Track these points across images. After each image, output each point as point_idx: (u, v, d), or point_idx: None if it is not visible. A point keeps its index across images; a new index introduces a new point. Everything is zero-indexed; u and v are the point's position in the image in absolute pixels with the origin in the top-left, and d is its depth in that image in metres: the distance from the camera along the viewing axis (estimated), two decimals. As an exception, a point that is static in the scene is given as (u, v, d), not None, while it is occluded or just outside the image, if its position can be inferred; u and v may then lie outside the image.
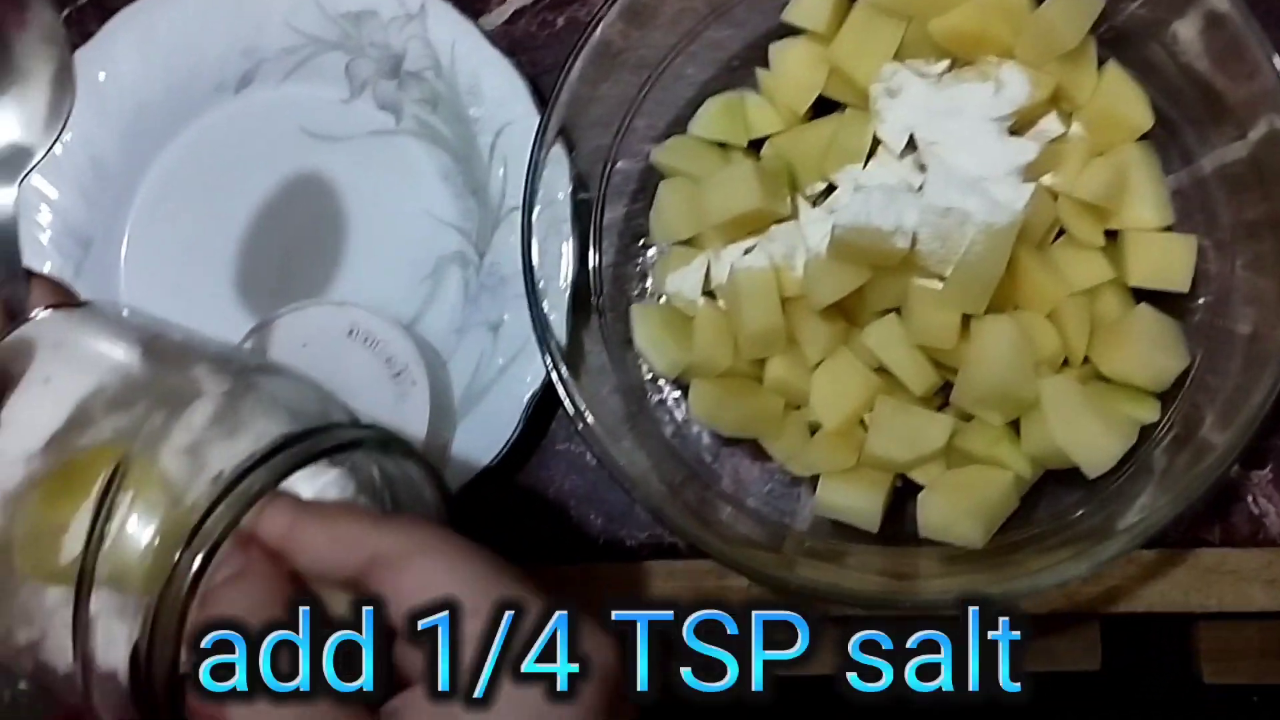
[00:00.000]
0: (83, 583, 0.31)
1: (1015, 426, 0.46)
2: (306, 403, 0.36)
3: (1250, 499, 0.49)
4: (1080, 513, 0.46)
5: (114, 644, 0.32)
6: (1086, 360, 0.46)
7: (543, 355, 0.46)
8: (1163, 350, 0.45)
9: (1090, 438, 0.44)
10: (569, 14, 0.57)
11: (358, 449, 0.34)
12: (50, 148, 0.41)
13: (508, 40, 0.57)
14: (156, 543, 0.31)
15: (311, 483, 0.37)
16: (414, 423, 0.50)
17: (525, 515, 0.54)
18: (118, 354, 0.36)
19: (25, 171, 0.40)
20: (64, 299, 0.38)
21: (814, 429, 0.48)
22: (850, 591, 0.43)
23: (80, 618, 0.31)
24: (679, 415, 0.51)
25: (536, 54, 0.57)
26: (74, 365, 0.35)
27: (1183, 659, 0.49)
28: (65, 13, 0.59)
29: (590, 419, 0.44)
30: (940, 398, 0.48)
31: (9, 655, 0.34)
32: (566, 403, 0.45)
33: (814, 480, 0.48)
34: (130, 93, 0.57)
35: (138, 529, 0.31)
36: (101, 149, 0.57)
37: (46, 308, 0.37)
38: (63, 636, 0.32)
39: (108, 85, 0.57)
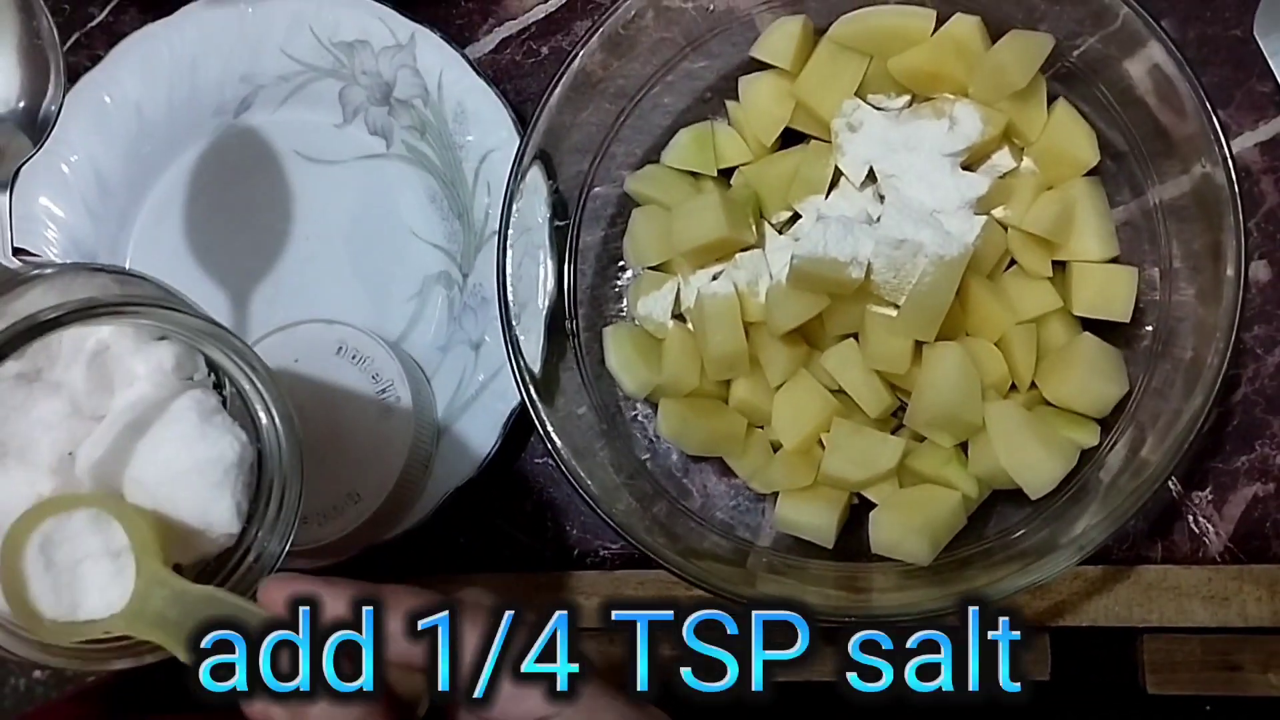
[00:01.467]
0: None
1: (965, 448, 0.48)
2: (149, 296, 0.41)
3: (1191, 519, 0.51)
4: (1026, 530, 0.48)
5: None
6: (1033, 385, 0.48)
7: (515, 381, 0.48)
8: (1103, 378, 0.47)
9: (1032, 461, 0.46)
10: (553, 43, 0.59)
11: (131, 314, 0.38)
12: (39, 146, 0.44)
13: (494, 69, 0.59)
14: None
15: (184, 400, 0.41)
16: (399, 437, 0.53)
17: (504, 525, 0.56)
18: None
19: (15, 170, 0.44)
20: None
21: (776, 447, 0.51)
22: (808, 607, 0.45)
23: None
24: (651, 432, 0.53)
25: (521, 82, 0.59)
26: None
27: (1128, 670, 0.51)
28: (74, 37, 0.62)
29: (559, 443, 0.47)
30: (895, 419, 0.50)
31: None
32: (539, 427, 0.47)
33: (777, 497, 0.50)
34: (134, 115, 0.59)
35: None
36: (107, 169, 0.60)
37: None
38: None
39: (113, 108, 0.59)
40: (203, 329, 0.40)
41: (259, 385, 0.41)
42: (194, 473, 0.40)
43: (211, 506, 0.40)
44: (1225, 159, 0.44)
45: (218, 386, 0.43)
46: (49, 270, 0.42)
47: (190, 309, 0.41)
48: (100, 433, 0.41)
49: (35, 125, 0.45)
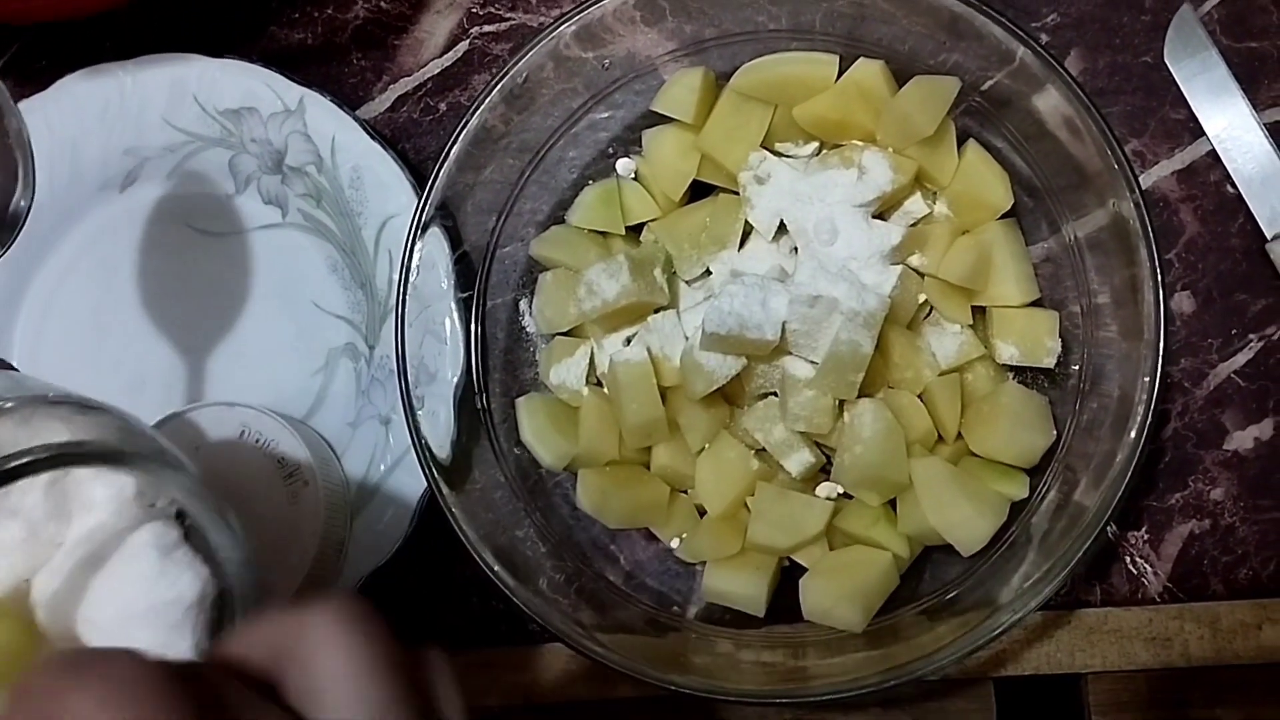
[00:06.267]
0: None
1: (895, 505, 0.47)
2: (104, 431, 0.39)
3: (1128, 559, 0.50)
4: (963, 588, 0.46)
5: None
6: (961, 435, 0.47)
7: (423, 470, 0.46)
8: (1028, 429, 0.45)
9: (962, 518, 0.44)
10: (450, 99, 0.57)
11: (72, 464, 0.36)
12: (8, 246, 0.44)
13: (391, 128, 0.57)
14: None
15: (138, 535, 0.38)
16: (308, 523, 0.50)
17: (429, 602, 0.54)
18: None
19: None
20: None
21: (702, 512, 0.49)
22: (740, 691, 0.44)
23: None
24: (575, 500, 0.51)
25: (420, 140, 0.57)
26: None
27: (1075, 713, 0.50)
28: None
29: (470, 533, 0.45)
30: (824, 475, 0.48)
31: None
32: (448, 515, 0.45)
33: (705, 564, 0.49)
34: (14, 195, 0.56)
35: None
36: (-12, 253, 0.57)
37: None
38: None
39: (-8, 189, 0.56)
40: (177, 479, 0.38)
41: (223, 519, 0.38)
42: (151, 614, 0.38)
43: (170, 649, 0.38)
44: (1136, 196, 0.43)
45: (179, 515, 0.40)
46: (8, 404, 0.39)
47: (156, 447, 0.38)
48: (57, 562, 0.39)
49: (4, 224, 0.43)
